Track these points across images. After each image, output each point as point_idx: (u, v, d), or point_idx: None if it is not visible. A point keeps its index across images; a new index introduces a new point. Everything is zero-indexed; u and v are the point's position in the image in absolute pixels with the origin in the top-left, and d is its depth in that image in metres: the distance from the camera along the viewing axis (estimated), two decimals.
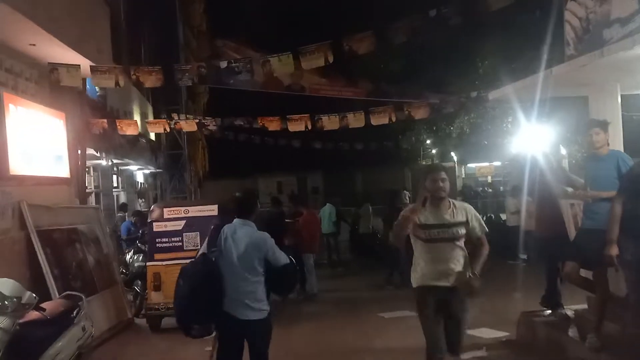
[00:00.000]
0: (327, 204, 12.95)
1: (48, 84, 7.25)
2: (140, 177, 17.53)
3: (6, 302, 4.02)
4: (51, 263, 6.40)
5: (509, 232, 12.17)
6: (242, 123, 8.78)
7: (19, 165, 6.23)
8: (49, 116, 7.18)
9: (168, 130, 8.72)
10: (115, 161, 12.39)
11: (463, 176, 30.42)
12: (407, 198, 26.32)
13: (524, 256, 11.66)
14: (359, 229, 12.95)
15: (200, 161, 19.32)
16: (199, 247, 7.48)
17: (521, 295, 8.39)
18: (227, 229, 4.27)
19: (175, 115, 17.41)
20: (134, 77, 6.07)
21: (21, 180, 6.33)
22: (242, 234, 4.15)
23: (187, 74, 6.50)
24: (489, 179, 30.30)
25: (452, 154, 28.93)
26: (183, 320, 4.09)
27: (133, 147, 13.81)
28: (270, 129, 8.70)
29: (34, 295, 4.31)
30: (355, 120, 7.99)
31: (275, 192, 27.04)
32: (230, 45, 16.93)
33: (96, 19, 7.52)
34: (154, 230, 7.54)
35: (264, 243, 4.07)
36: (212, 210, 7.60)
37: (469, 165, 30.22)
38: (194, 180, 18.53)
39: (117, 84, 5.96)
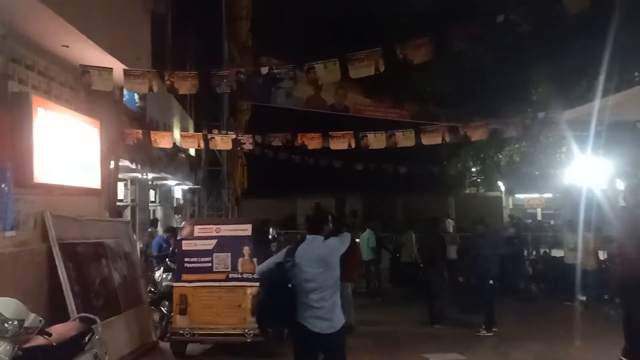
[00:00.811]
0: (367, 229, 12.24)
1: (83, 89, 6.97)
2: (178, 193, 17.34)
3: (6, 325, 3.56)
4: (72, 279, 5.97)
5: (566, 270, 11.17)
6: (280, 143, 8.23)
7: (45, 172, 5.89)
8: (83, 123, 6.87)
9: (202, 146, 8.28)
10: (152, 175, 12.14)
11: (510, 207, 29.09)
12: (451, 226, 25.39)
13: (582, 297, 10.60)
14: (401, 257, 12.17)
15: (239, 179, 19.00)
16: (229, 269, 7.00)
17: (586, 343, 7.43)
18: (302, 244, 4.45)
19: (215, 131, 17.33)
20: (168, 82, 5.66)
21: (47, 188, 5.98)
22: (312, 247, 4.32)
23: (225, 80, 6.05)
24: (539, 212, 28.86)
25: (500, 183, 27.73)
26: (260, 322, 4.49)
27: (171, 161, 13.57)
28: (310, 147, 8.15)
29: (40, 318, 3.83)
30: (405, 139, 7.36)
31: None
32: (275, 62, 16.65)
33: (136, 25, 7.23)
34: (182, 248, 7.07)
35: (328, 251, 4.29)
36: (245, 229, 7.07)
37: (517, 195, 28.87)
38: (231, 198, 18.19)
39: (150, 89, 5.57)
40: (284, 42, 21.13)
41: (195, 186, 17.43)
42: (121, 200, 11.94)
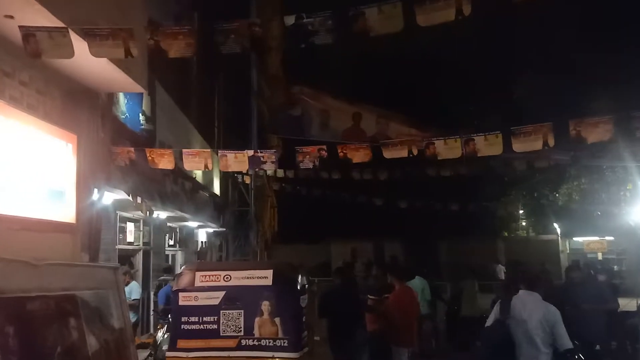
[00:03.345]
0: (417, 276, 9.95)
1: (58, 94, 5.28)
2: (202, 236, 15.54)
3: None
4: (11, 350, 4.03)
5: None
6: (312, 163, 6.30)
7: None
8: (52, 137, 5.12)
9: (210, 167, 6.43)
10: (166, 214, 10.36)
11: (568, 251, 26.05)
12: (503, 273, 22.60)
13: None
14: (461, 310, 9.75)
15: (269, 221, 17.09)
16: (241, 332, 4.95)
17: None
18: (515, 298, 4.37)
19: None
20: (151, 41, 3.84)
21: None
22: (530, 303, 4.27)
23: (233, 36, 4.12)
24: (599, 256, 25.76)
25: (555, 225, 24.92)
26: None
27: (190, 199, 11.83)
28: (355, 160, 6.23)
29: None
30: (488, 146, 5.35)
31: (348, 259, 24.23)
32: (307, 92, 15.07)
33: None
34: (179, 304, 5.09)
35: (551, 315, 4.23)
36: (265, 277, 5.05)
37: (574, 239, 25.89)
38: (260, 241, 16.25)
39: (128, 53, 3.76)
40: (320, 75, 19.67)
41: (221, 229, 15.62)
42: (131, 243, 10.19)
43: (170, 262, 12.28)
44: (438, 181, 19.80)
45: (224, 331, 4.94)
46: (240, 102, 15.42)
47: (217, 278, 5.09)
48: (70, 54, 3.92)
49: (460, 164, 12.73)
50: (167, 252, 12.31)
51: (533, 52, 20.09)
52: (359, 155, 6.12)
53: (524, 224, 28.83)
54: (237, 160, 6.28)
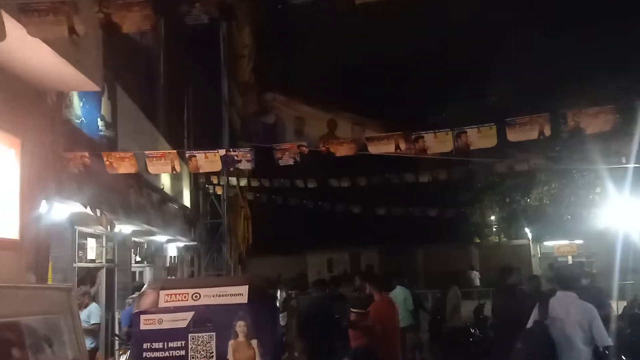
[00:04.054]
0: (398, 286, 9.40)
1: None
2: (172, 251, 14.68)
3: None
4: None
5: None
6: (292, 160, 5.73)
7: None
8: None
9: (178, 169, 5.77)
10: (129, 228, 9.56)
11: (539, 255, 26.05)
12: (477, 279, 22.30)
13: None
14: (446, 320, 9.20)
15: (243, 233, 16.33)
16: (213, 358, 4.28)
17: None
18: (553, 299, 4.42)
19: (214, 179, 14.88)
20: (100, 14, 3.16)
21: None
22: (567, 303, 4.29)
23: None
24: (569, 260, 25.83)
25: (527, 230, 24.89)
26: None
27: (158, 211, 11.05)
28: (339, 153, 5.70)
29: None
30: (482, 138, 4.85)
31: (325, 271, 23.58)
32: (281, 100, 14.52)
33: None
34: (140, 328, 4.38)
35: (589, 313, 4.20)
36: (239, 294, 4.40)
37: (545, 243, 25.90)
38: (234, 255, 15.48)
39: (72, 30, 3.10)
40: (292, 80, 19.15)
41: (192, 243, 14.80)
42: (93, 261, 9.33)
43: (137, 280, 11.41)
44: (412, 189, 19.48)
45: (193, 357, 4.26)
46: (211, 110, 14.75)
47: (185, 297, 4.41)
48: (2, 36, 3.24)
49: (439, 168, 12.38)
50: (133, 269, 11.43)
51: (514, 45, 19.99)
52: (343, 149, 5.59)
53: (494, 230, 28.79)
54: (208, 161, 5.64)
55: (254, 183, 14.86)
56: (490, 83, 20.82)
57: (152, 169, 5.71)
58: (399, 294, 9.15)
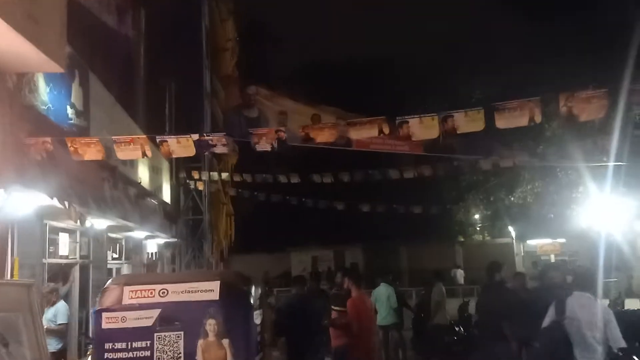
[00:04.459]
0: (382, 283, 9.14)
1: None
2: (152, 247, 14.23)
3: None
4: None
5: None
6: (269, 146, 5.43)
7: None
8: None
9: (149, 154, 5.41)
10: (104, 222, 9.13)
11: (522, 254, 26.06)
12: (462, 277, 22.16)
13: None
14: (430, 317, 8.92)
15: (225, 230, 15.93)
16: (181, 358, 3.94)
17: None
18: (570, 298, 4.44)
19: (196, 174, 14.47)
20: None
21: None
22: (584, 303, 4.33)
23: None
24: (552, 259, 25.89)
25: (510, 228, 24.86)
26: None
27: (135, 205, 10.62)
28: (319, 140, 5.41)
29: None
30: (470, 122, 4.54)
31: (309, 268, 23.25)
32: (264, 94, 14.15)
33: None
34: (102, 327, 4.02)
35: (605, 314, 4.27)
36: (210, 290, 4.07)
37: (528, 242, 25.90)
38: (215, 252, 15.07)
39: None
40: (275, 73, 18.79)
41: (173, 239, 14.36)
42: (65, 257, 8.89)
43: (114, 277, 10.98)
44: (396, 187, 19.25)
45: (159, 358, 3.92)
46: (192, 103, 14.32)
47: (151, 293, 4.06)
48: None
49: (424, 165, 12.15)
50: (110, 266, 10.98)
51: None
52: (324, 135, 5.29)
53: (478, 228, 28.75)
54: (180, 146, 5.29)
55: (237, 178, 14.48)
56: (476, 77, 20.67)
57: (120, 154, 5.34)
58: (383, 292, 8.90)
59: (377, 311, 8.81)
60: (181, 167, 14.26)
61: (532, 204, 21.22)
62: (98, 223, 9.04)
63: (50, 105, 6.14)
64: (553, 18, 20.66)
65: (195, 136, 5.32)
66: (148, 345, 3.93)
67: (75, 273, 9.27)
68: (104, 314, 4.00)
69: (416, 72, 21.05)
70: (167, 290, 4.06)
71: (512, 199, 21.27)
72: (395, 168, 12.99)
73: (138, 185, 10.40)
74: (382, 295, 8.76)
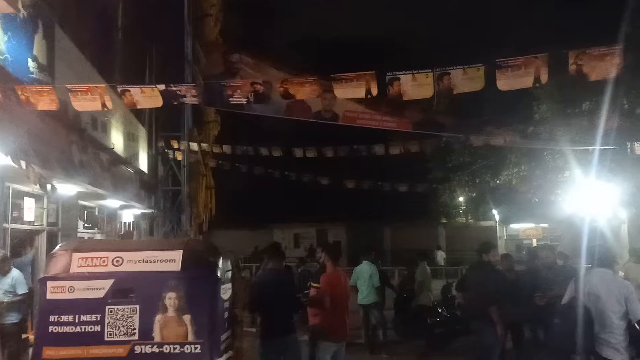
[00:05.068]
0: (364, 261, 8.74)
1: None
2: (128, 218, 13.69)
3: None
4: None
5: None
6: (245, 98, 4.92)
7: None
8: None
9: (109, 106, 4.88)
10: (72, 188, 8.57)
11: (505, 237, 26.01)
12: (442, 258, 22.03)
13: None
14: (415, 298, 8.56)
15: (205, 203, 15.40)
16: (135, 336, 3.49)
17: None
18: (589, 274, 4.53)
19: (175, 143, 13.88)
20: None
21: None
22: (604, 279, 4.38)
23: None
24: (534, 243, 25.92)
25: (494, 212, 24.72)
26: (563, 350, 4.45)
27: (106, 172, 10.04)
28: (299, 96, 4.92)
29: None
30: (468, 81, 4.00)
31: (292, 246, 22.92)
32: (248, 62, 13.49)
33: None
34: (47, 297, 3.55)
35: (625, 288, 4.30)
36: (171, 260, 3.60)
37: (511, 226, 25.82)
38: (194, 225, 14.56)
39: None
40: (260, 42, 18.06)
41: (150, 210, 13.82)
42: (30, 223, 8.34)
43: None
44: (382, 166, 18.86)
45: (110, 334, 3.46)
46: (172, 71, 13.64)
47: (103, 261, 3.58)
48: None
49: (411, 141, 11.75)
50: (82, 235, 10.44)
51: None
52: (305, 92, 4.78)
53: (461, 211, 28.61)
54: (145, 96, 4.76)
55: (218, 151, 13.94)
56: (471, 47, 20.16)
57: (77, 105, 4.78)
58: (365, 269, 8.53)
59: (358, 290, 8.47)
60: (160, 136, 13.65)
61: (518, 186, 21.02)
62: (66, 188, 8.49)
63: (8, 56, 5.53)
64: None
65: (162, 86, 4.78)
66: (98, 319, 3.48)
67: (42, 240, 8.74)
68: (49, 283, 3.52)
69: (408, 45, 20.42)
70: (121, 258, 3.59)
71: (498, 181, 21.04)
72: (381, 143, 12.60)
73: (111, 151, 9.81)
74: (364, 273, 8.38)
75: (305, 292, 7.68)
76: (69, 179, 7.91)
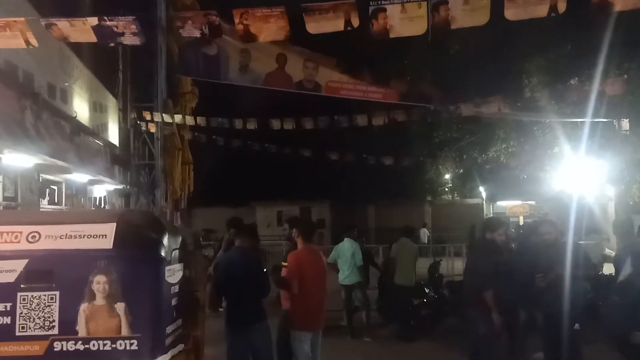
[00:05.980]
0: (346, 239, 8.09)
1: None
2: (100, 193, 12.90)
3: None
4: None
5: None
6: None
7: None
8: None
9: (34, 44, 4.13)
10: (28, 159, 7.75)
11: (491, 215, 25.67)
12: (426, 236, 21.55)
13: None
14: (395, 278, 7.96)
15: (182, 179, 14.59)
16: (55, 330, 2.77)
17: None
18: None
19: (147, 114, 13.00)
20: None
21: None
22: None
23: None
24: (521, 220, 25.62)
25: (481, 189, 24.28)
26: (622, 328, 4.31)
27: (70, 144, 9.22)
28: (262, 37, 4.26)
29: None
30: (470, 12, 3.32)
31: (274, 224, 22.29)
32: (225, 28, 12.56)
33: None
34: None
35: None
36: (101, 235, 2.89)
37: (498, 203, 25.46)
38: (170, 201, 13.79)
39: None
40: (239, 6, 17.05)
41: (122, 186, 13.03)
42: None
43: None
44: (366, 141, 18.15)
45: (23, 328, 2.77)
46: (146, 37, 12.68)
47: (16, 237, 2.86)
48: None
49: (397, 110, 11.08)
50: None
51: None
52: (271, 31, 4.02)
53: (447, 189, 28.16)
54: (76, 30, 4.02)
55: (193, 123, 13.09)
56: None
57: None
58: (347, 248, 7.90)
59: (339, 269, 7.86)
60: (132, 107, 12.77)
61: (507, 163, 20.55)
62: (20, 159, 7.68)
63: None
64: None
65: (94, 20, 4.02)
66: (8, 309, 2.77)
67: None
68: None
69: None
70: (38, 233, 2.86)
71: (486, 157, 20.52)
72: (365, 113, 11.92)
73: (73, 119, 8.98)
74: (346, 251, 7.75)
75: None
76: (23, 148, 7.11)
